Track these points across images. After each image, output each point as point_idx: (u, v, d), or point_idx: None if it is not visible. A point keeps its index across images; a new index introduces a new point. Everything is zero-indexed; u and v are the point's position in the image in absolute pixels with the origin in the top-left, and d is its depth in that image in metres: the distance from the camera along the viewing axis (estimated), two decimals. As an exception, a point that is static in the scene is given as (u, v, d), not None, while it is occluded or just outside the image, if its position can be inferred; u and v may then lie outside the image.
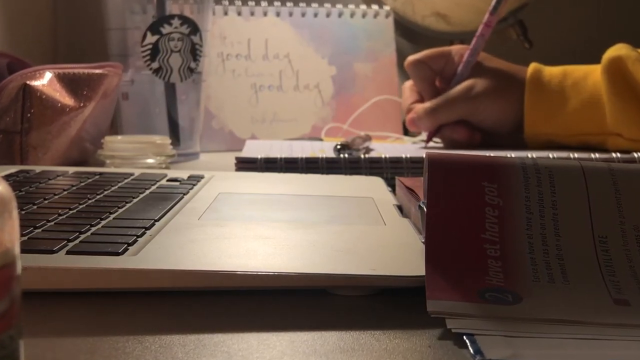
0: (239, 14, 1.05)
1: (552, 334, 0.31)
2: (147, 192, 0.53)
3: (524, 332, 0.31)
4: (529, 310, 0.32)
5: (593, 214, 0.36)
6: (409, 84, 0.90)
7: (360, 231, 0.44)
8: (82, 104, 0.73)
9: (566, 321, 0.32)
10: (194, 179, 0.59)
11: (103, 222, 0.43)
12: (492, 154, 0.44)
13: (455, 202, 0.36)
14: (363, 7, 1.11)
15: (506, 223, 0.36)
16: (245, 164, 0.68)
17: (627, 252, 0.35)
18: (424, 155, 0.38)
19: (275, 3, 1.08)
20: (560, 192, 0.37)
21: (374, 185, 0.60)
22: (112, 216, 0.44)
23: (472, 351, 0.29)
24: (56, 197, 0.50)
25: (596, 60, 1.33)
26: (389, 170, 0.67)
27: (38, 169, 0.62)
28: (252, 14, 1.06)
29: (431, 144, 0.88)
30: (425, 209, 0.36)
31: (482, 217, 0.36)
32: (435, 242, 0.35)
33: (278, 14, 1.07)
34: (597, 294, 0.33)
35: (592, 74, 0.80)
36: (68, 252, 0.36)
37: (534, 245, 0.35)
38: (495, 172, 0.37)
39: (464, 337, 0.30)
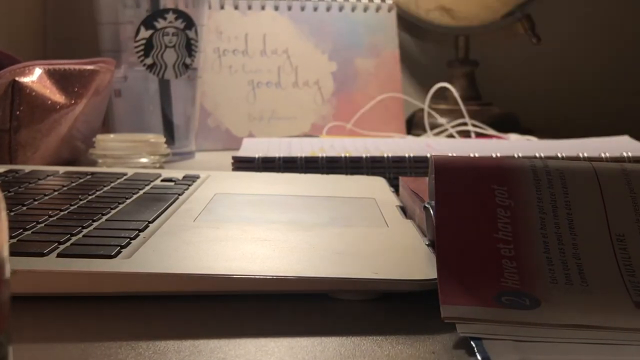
0: (236, 7, 1.04)
1: (566, 339, 0.30)
2: (141, 192, 0.53)
3: (537, 337, 0.30)
4: (547, 315, 0.32)
5: (609, 213, 0.36)
6: None
7: (361, 233, 0.43)
8: (73, 101, 0.72)
9: (586, 326, 0.31)
10: (189, 179, 0.59)
11: (95, 224, 0.43)
12: (498, 155, 0.43)
13: (464, 204, 0.36)
14: (365, 0, 1.10)
15: (519, 223, 0.36)
16: (243, 164, 0.68)
17: None
18: (429, 157, 0.38)
19: (273, -3, 1.07)
20: (573, 193, 0.37)
21: (376, 186, 0.60)
22: (105, 218, 0.44)
23: (479, 358, 0.28)
24: (46, 197, 0.50)
25: (602, 55, 1.32)
26: (392, 169, 0.67)
27: (27, 168, 0.62)
28: (249, 7, 1.05)
29: (432, 142, 0.87)
30: (430, 209, 0.36)
31: (494, 218, 0.36)
32: (446, 245, 0.35)
33: (276, 8, 1.06)
34: (617, 297, 0.33)
35: None
36: (59, 255, 0.36)
37: (549, 244, 0.35)
38: (505, 174, 0.37)
39: (471, 342, 0.30)
